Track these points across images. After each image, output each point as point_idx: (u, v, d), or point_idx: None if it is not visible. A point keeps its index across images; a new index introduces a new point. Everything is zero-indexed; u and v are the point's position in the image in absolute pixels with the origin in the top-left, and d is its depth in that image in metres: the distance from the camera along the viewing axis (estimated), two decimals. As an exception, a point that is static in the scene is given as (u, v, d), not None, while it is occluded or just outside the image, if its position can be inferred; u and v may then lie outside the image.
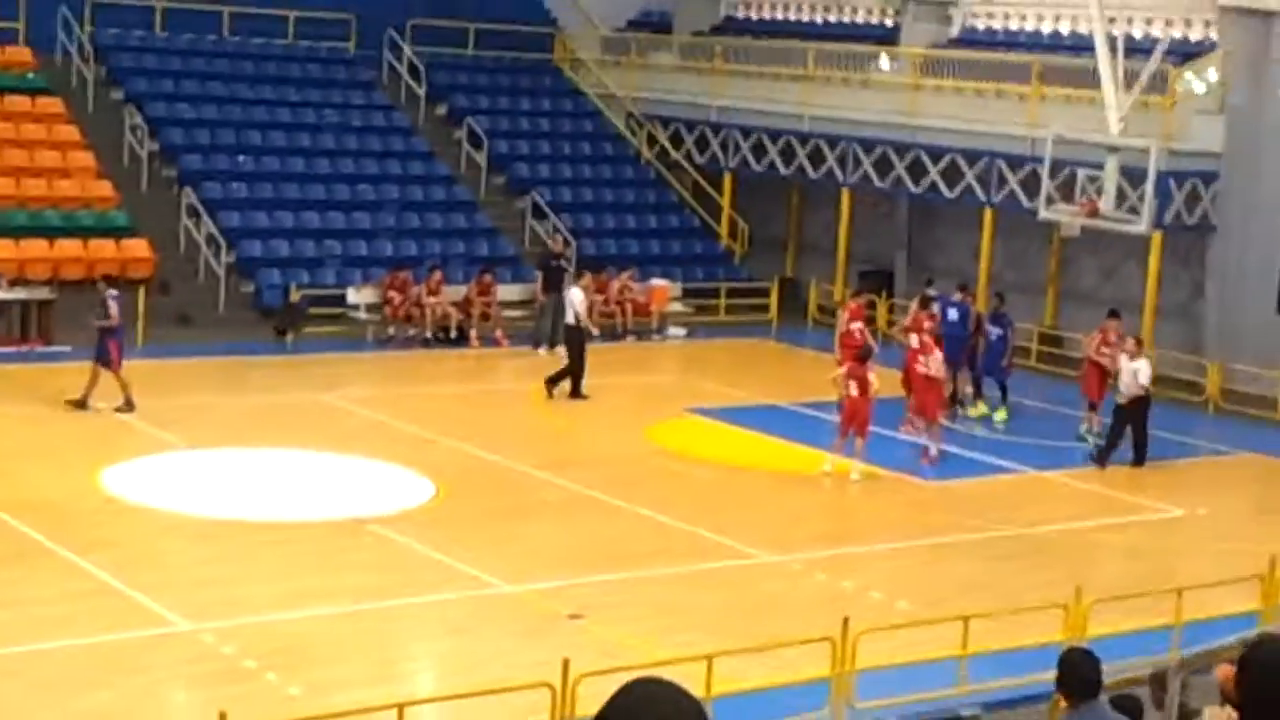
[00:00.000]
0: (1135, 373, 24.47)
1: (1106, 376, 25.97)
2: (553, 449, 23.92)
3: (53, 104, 33.79)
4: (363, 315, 31.54)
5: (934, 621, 16.15)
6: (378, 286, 31.73)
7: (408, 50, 38.57)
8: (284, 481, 21.58)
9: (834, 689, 14.48)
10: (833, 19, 40.53)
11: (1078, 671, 9.91)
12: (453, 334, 31.64)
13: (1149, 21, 33.23)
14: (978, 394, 27.95)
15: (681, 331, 34.16)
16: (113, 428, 23.44)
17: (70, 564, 17.56)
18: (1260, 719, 5.47)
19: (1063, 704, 10.11)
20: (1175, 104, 30.48)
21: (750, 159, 37.52)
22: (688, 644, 15.61)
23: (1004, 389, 27.66)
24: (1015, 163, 32.27)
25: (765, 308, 35.84)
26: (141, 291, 29.55)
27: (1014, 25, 36.97)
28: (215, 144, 34.64)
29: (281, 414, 25.17)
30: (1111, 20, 29.72)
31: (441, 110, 38.70)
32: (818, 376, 27.20)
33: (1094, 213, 29.06)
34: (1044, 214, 30.17)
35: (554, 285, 31.98)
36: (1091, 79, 30.05)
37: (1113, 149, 28.99)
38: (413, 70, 38.47)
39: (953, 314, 27.98)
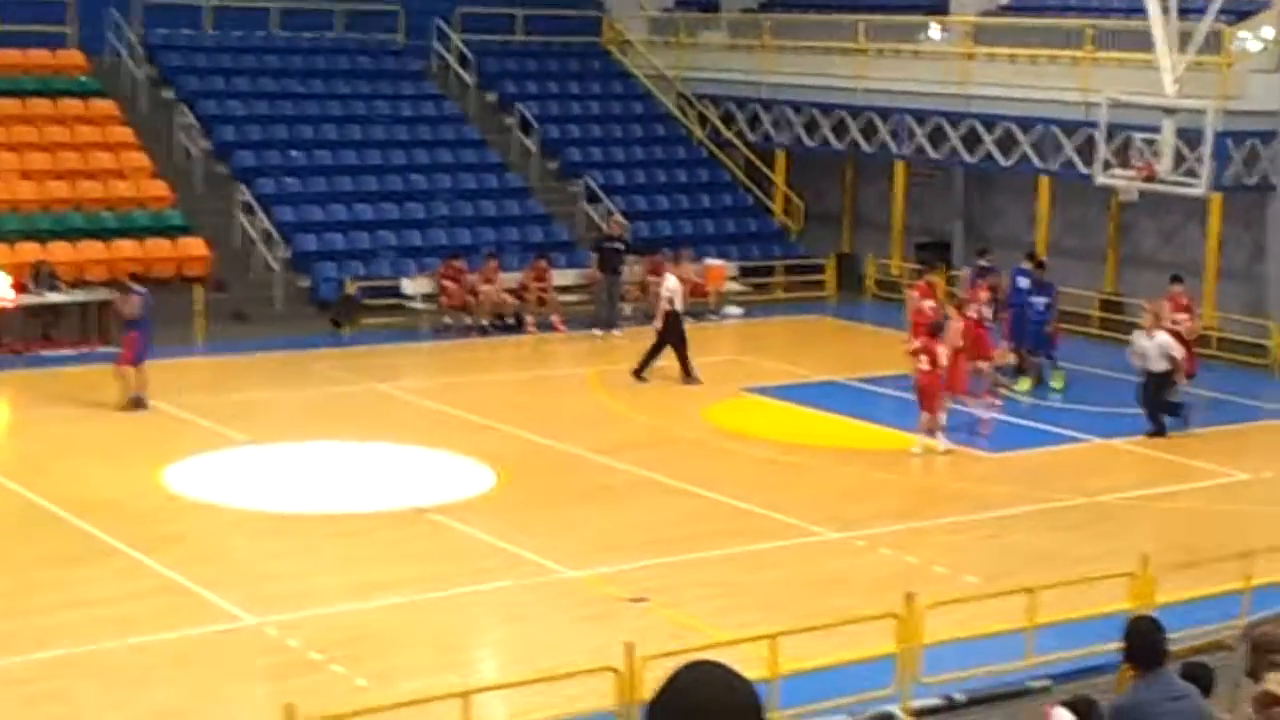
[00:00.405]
0: (1161, 348, 23.99)
1: (1182, 343, 25.59)
2: (611, 432, 23.89)
3: (105, 106, 33.99)
4: (418, 305, 31.59)
5: (1000, 594, 16.03)
6: (433, 276, 31.77)
7: (456, 39, 38.59)
8: (344, 473, 21.64)
9: (900, 665, 14.40)
10: (881, -9, 40.27)
11: (1144, 640, 9.82)
12: (509, 321, 31.65)
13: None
14: (1020, 369, 27.27)
15: (738, 310, 34.05)
16: (174, 425, 23.56)
17: (135, 562, 17.67)
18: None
19: (1130, 673, 10.03)
20: (1231, 63, 30.12)
21: (803, 135, 37.35)
22: (751, 624, 15.55)
23: (1050, 358, 27.24)
24: (1070, 129, 31.98)
25: (822, 284, 35.70)
26: (199, 289, 29.70)
27: (1064, -10, 36.69)
28: (267, 140, 34.76)
29: (340, 406, 25.24)
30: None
31: (492, 97, 38.71)
32: (876, 351, 27.13)
33: (1151, 176, 28.78)
34: (1101, 179, 29.89)
35: (611, 267, 31.97)
36: (1145, 41, 29.70)
37: (1168, 111, 28.68)
38: (461, 59, 38.49)
39: (1023, 282, 27.70)
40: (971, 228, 36.59)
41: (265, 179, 33.58)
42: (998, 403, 25.93)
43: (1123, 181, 29.39)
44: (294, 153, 34.62)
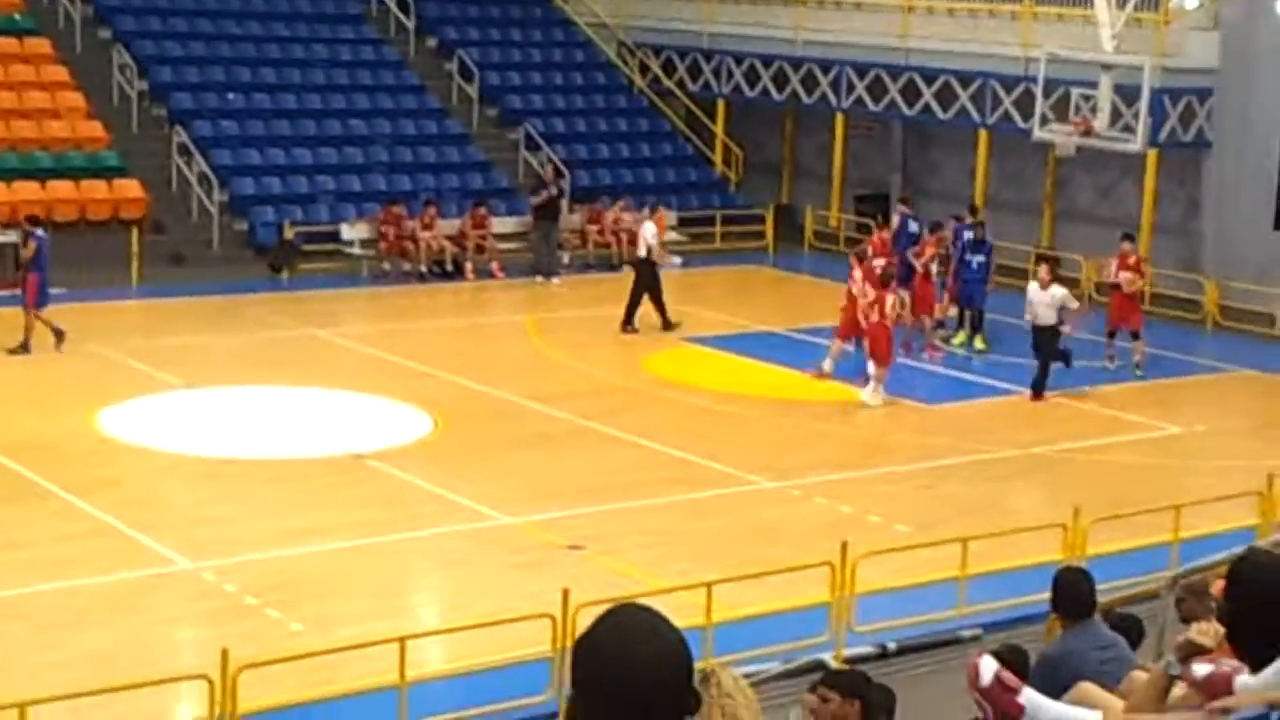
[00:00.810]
0: (1053, 300, 23.85)
1: (1127, 300, 25.83)
2: (549, 381, 23.92)
3: (40, 44, 33.58)
4: (357, 251, 31.48)
5: (932, 544, 16.22)
6: (372, 222, 31.66)
7: (396, -18, 38.33)
8: (282, 419, 21.61)
9: (834, 613, 14.55)
10: (823, -58, 40.23)
11: (1072, 590, 9.96)
12: (448, 268, 31.60)
13: (1142, -63, 32.97)
14: (960, 323, 27.39)
15: (677, 260, 34.06)
16: (109, 369, 23.43)
17: (68, 505, 17.61)
18: (1246, 631, 5.49)
19: (1058, 623, 10.18)
20: (1168, 21, 30.31)
21: (743, 85, 37.36)
22: (687, 572, 15.70)
23: (980, 315, 27.04)
24: (1009, 83, 32.14)
25: (761, 234, 35.78)
26: (135, 232, 29.50)
27: (1006, -56, 36.72)
28: (205, 82, 34.46)
29: (278, 351, 25.18)
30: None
31: (432, 43, 38.50)
32: (814, 302, 27.26)
33: (1088, 132, 28.97)
34: (1038, 134, 30.07)
35: (547, 214, 31.95)
36: (1084, -3, 29.90)
37: (1106, 67, 28.86)
38: (401, 3, 38.22)
39: (967, 236, 27.81)
40: (910, 180, 36.74)
41: (202, 121, 33.30)
42: (938, 355, 26.13)
43: (1060, 137, 29.57)
44: (231, 95, 34.35)
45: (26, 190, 30.17)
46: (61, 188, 30.49)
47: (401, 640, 12.86)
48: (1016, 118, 31.84)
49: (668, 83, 38.68)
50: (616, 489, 18.87)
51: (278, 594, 15.36)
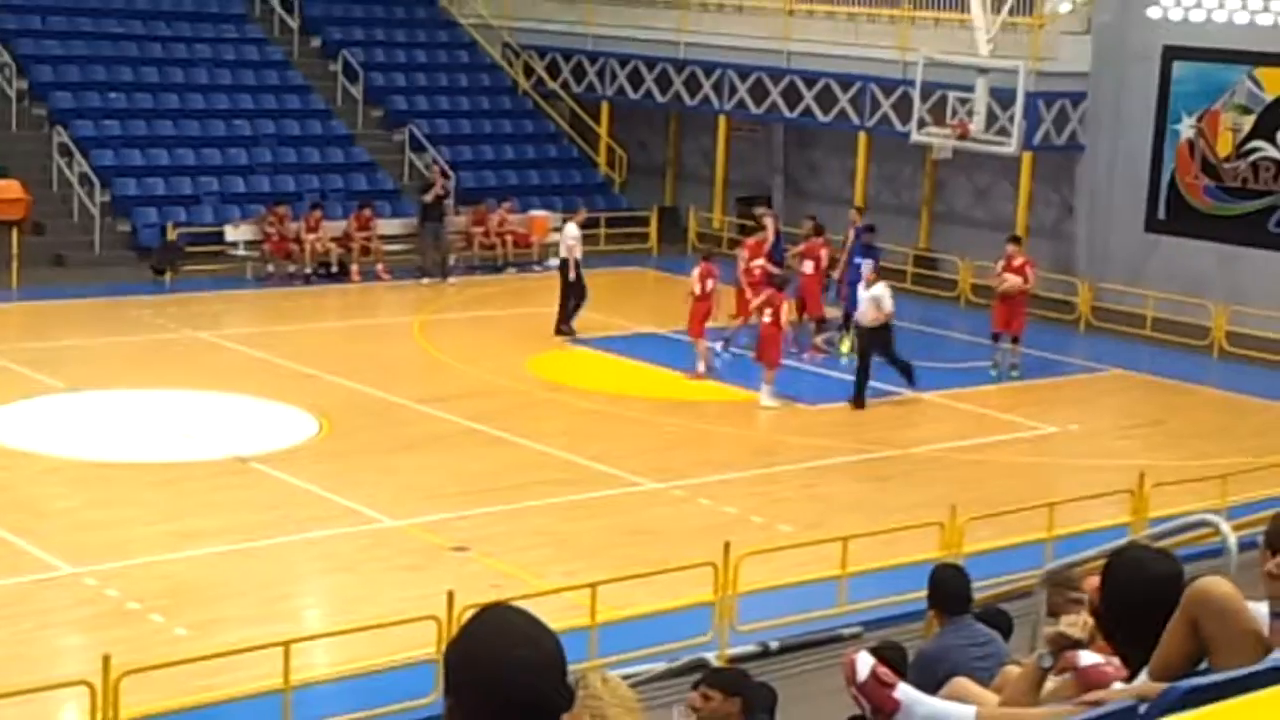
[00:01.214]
0: (876, 300, 23.61)
1: (1009, 302, 25.92)
2: (436, 382, 23.98)
3: (-84, 43, 33.14)
4: (241, 252, 31.31)
5: (814, 543, 16.48)
6: (256, 223, 31.50)
7: (279, -18, 38.14)
8: (165, 422, 21.47)
9: (717, 613, 14.76)
10: (706, -55, 40.50)
11: (948, 587, 10.19)
12: (333, 269, 31.52)
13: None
14: (845, 327, 27.05)
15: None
16: (-11, 372, 23.19)
17: (-51, 511, 17.43)
18: (1118, 624, 5.67)
19: (936, 620, 10.41)
20: (1042, 24, 30.86)
21: (627, 87, 37.56)
22: (572, 573, 15.84)
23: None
24: (887, 86, 32.55)
25: (645, 236, 35.97)
26: (15, 233, 29.17)
27: (885, -51, 37.15)
28: (86, 81, 34.12)
29: (161, 354, 25.01)
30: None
31: (316, 43, 38.35)
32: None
33: (965, 135, 29.44)
34: (916, 137, 30.52)
35: (432, 215, 31.96)
36: (960, 1, 30.36)
37: (982, 71, 29.35)
38: (285, 3, 38.04)
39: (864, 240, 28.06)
40: (791, 183, 37.11)
41: (84, 121, 32.98)
42: (818, 357, 26.40)
43: (937, 139, 30.03)
44: (113, 95, 34.04)
45: (-98, 191, 29.76)
46: (-62, 189, 30.10)
47: (286, 644, 12.90)
48: (895, 121, 32.27)
49: (552, 85, 38.79)
50: (502, 491, 18.97)
51: (161, 599, 15.33)
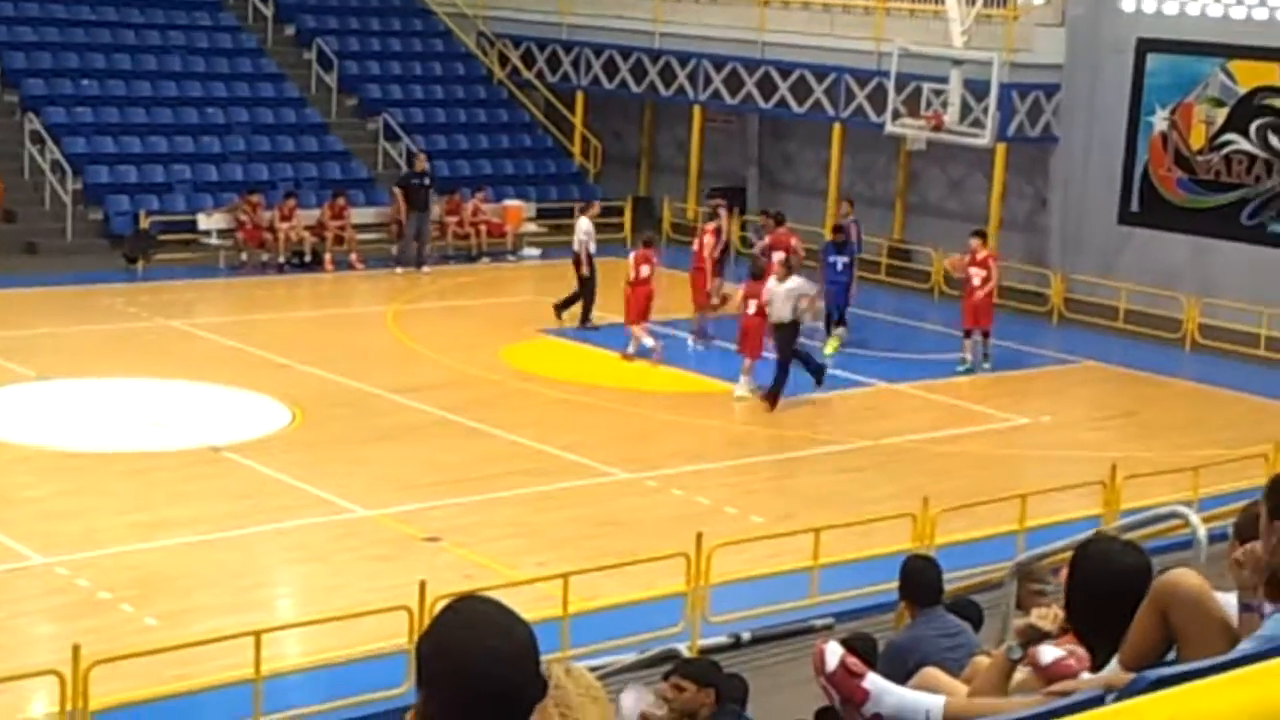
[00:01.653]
0: (789, 293, 22.98)
1: (972, 296, 25.84)
2: (409, 372, 23.94)
3: (-114, 29, 32.95)
4: (214, 241, 31.21)
5: (786, 534, 16.50)
6: (229, 212, 31.41)
7: (253, -30, 38.01)
8: (138, 411, 21.40)
9: (689, 604, 14.78)
10: (682, -65, 40.45)
11: (919, 579, 10.22)
12: (306, 258, 31.44)
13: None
14: (828, 330, 26.65)
15: (536, 252, 34.20)
16: (-41, 360, 23.10)
17: (-81, 500, 17.37)
18: (1086, 617, 5.68)
19: (907, 611, 10.44)
20: (1016, 16, 30.90)
21: (602, 77, 37.53)
22: (544, 563, 15.86)
23: (843, 318, 26.76)
24: (862, 78, 32.57)
25: (619, 226, 35.89)
26: (-15, 221, 29.09)
27: (861, -60, 37.13)
28: (58, 68, 33.96)
29: (134, 343, 24.93)
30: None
31: (290, 31, 38.22)
32: (670, 294, 27.42)
33: (939, 126, 29.48)
34: (890, 128, 30.54)
35: (419, 203, 31.90)
36: (936, -8, 30.40)
37: (956, 62, 29.39)
38: (259, -10, 37.91)
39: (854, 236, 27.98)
40: (765, 174, 37.13)
41: (56, 108, 32.82)
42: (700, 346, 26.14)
43: (911, 131, 30.07)
44: (85, 82, 33.90)
45: (-128, 178, 29.61)
46: (-91, 175, 29.95)
47: (257, 634, 12.87)
48: (870, 112, 32.29)
49: (527, 74, 38.74)
50: (474, 481, 18.96)
51: (131, 589, 15.29)
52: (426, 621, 12.97)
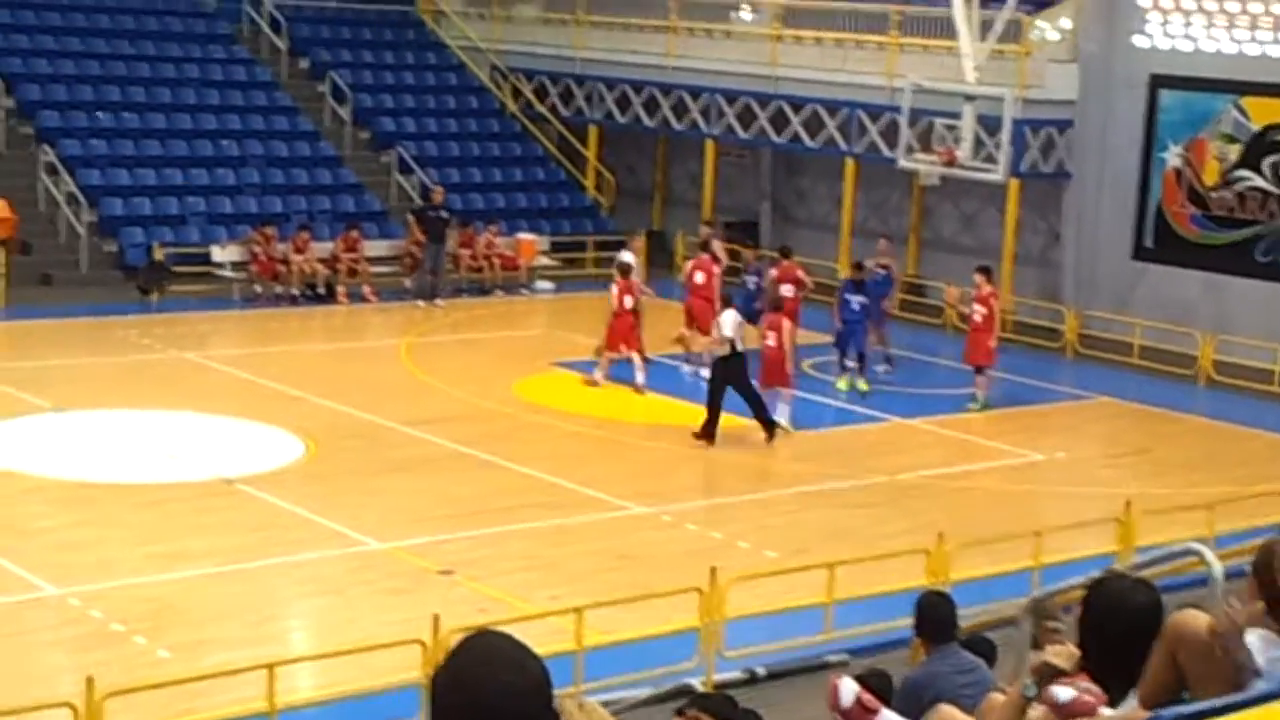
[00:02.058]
0: (734, 325, 22.73)
1: (978, 332, 25.76)
2: (423, 405, 23.94)
3: (-97, 61, 33.10)
4: (228, 273, 31.29)
5: (800, 569, 16.45)
6: (243, 244, 31.49)
7: (268, 3, 38.18)
8: (151, 442, 21.41)
9: (703, 638, 14.72)
10: (695, -30, 40.55)
11: (933, 614, 10.19)
12: (320, 291, 31.50)
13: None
14: (842, 367, 26.40)
15: (549, 285, 34.24)
16: (-26, 391, 23.14)
17: (-67, 530, 17.38)
18: (1100, 654, 5.67)
19: (922, 647, 10.41)
20: (1029, 52, 30.95)
21: (615, 111, 37.61)
22: (558, 597, 15.82)
23: (863, 358, 26.38)
24: (875, 113, 32.62)
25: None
26: (2, 252, 29.13)
27: (874, -24, 37.17)
28: (73, 100, 34.12)
29: (148, 374, 24.97)
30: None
31: (304, 64, 38.38)
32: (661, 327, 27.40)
33: (952, 161, 29.48)
34: (903, 163, 30.56)
35: (436, 236, 31.96)
36: (948, 28, 30.44)
37: (969, 98, 29.41)
38: (274, 24, 38.10)
39: (877, 274, 27.76)
40: (778, 208, 37.16)
41: (71, 140, 32.97)
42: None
43: (924, 166, 30.07)
44: (100, 114, 34.04)
45: (-112, 209, 29.69)
46: (-75, 207, 30.04)
47: (270, 666, 12.85)
48: (883, 147, 32.32)
49: (540, 108, 38.84)
50: (488, 514, 18.94)
51: (145, 620, 15.27)
52: (440, 655, 12.96)
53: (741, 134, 35.39)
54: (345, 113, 36.89)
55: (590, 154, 38.32)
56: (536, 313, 32.72)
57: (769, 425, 22.77)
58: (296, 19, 38.62)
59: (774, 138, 34.87)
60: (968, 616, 13.14)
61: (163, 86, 35.45)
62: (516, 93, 39.15)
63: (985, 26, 29.65)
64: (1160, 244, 30.86)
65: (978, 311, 25.62)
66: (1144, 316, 29.74)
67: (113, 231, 31.69)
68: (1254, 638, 5.49)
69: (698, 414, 23.56)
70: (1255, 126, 29.73)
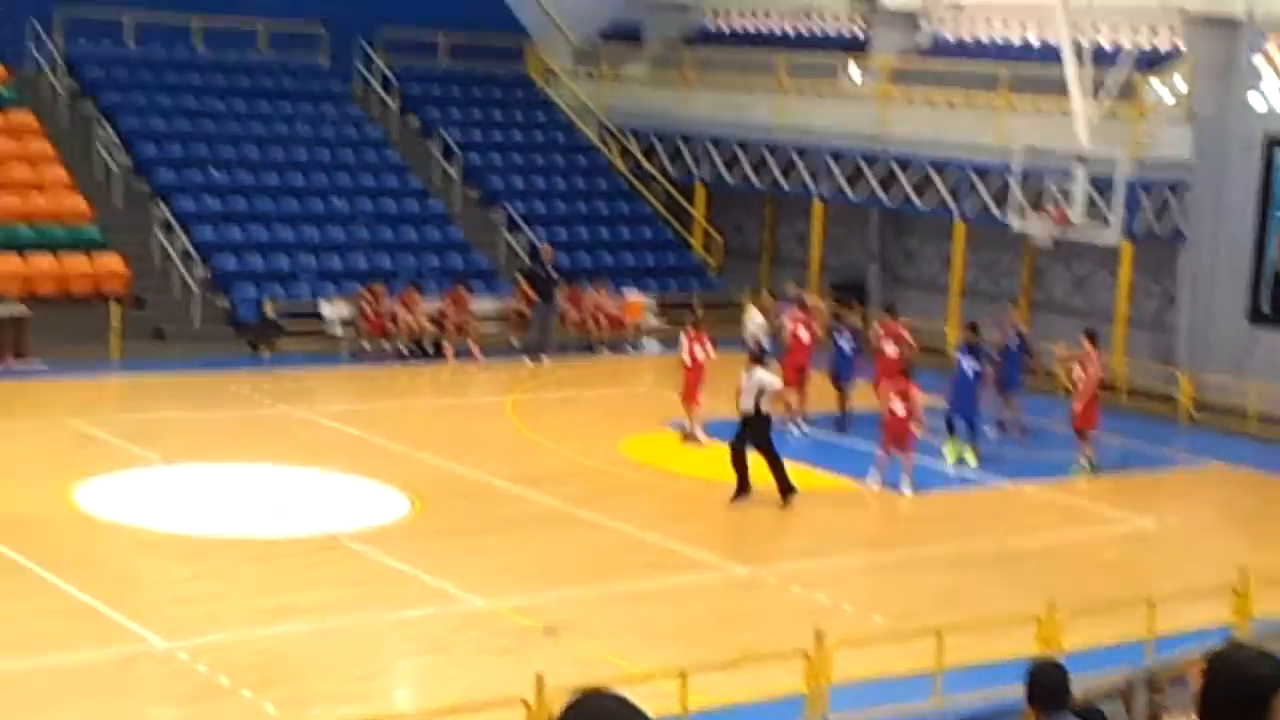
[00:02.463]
0: (751, 385, 22.37)
1: (1082, 396, 25.45)
2: (528, 463, 23.96)
3: (25, 118, 33.73)
4: (337, 330, 31.53)
5: (908, 634, 16.23)
6: (352, 300, 31.74)
7: (380, 62, 38.62)
8: (260, 497, 21.57)
9: (808, 703, 14.55)
10: (803, 30, 40.61)
11: (1045, 683, 9.98)
12: (427, 348, 31.67)
13: (1115, 30, 33.26)
14: (950, 430, 25.51)
15: (656, 344, 34.22)
16: (87, 444, 23.41)
17: (44, 581, 17.54)
18: (1219, 725, 5.52)
19: (1032, 716, 10.21)
20: (1143, 113, 30.65)
21: (723, 170, 37.64)
22: (663, 659, 15.68)
23: (973, 425, 25.64)
24: (985, 173, 32.40)
25: (739, 320, 35.86)
26: (116, 306, 29.54)
27: (982, 35, 37.00)
28: (188, 158, 34.63)
29: (257, 429, 25.17)
30: (1078, 29, 29.88)
31: (414, 123, 38.74)
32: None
33: (1064, 223, 29.21)
34: (1015, 225, 30.31)
35: (545, 294, 32.09)
36: (1060, 88, 30.21)
37: (1081, 159, 29.16)
38: (385, 82, 38.51)
39: (1011, 341, 27.45)
40: (887, 269, 36.97)
41: (185, 197, 33.44)
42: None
43: (1037, 228, 29.80)
44: (215, 171, 34.51)
45: (7, 263, 30.22)
46: (43, 261, 30.54)
47: (376, 724, 12.83)
48: (993, 208, 32.08)
49: (648, 166, 38.94)
50: (593, 573, 18.88)
51: (252, 674, 15.31)
52: (543, 714, 12.89)
53: (850, 194, 35.26)
54: (454, 171, 37.17)
55: (698, 213, 38.35)
56: (643, 371, 32.71)
57: (787, 490, 22.30)
58: (408, 78, 39.00)
59: (883, 198, 34.72)
60: (1079, 686, 12.89)
61: (276, 144, 35.90)
62: (624, 152, 39.29)
63: (1097, 87, 29.40)
64: (1277, 308, 30.36)
65: (1079, 376, 25.36)
66: (1261, 381, 29.25)
67: (225, 287, 32.06)
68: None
69: (806, 475, 23.41)
70: (1373, 189, 29.24)
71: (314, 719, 13.83)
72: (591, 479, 23.31)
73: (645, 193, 38.85)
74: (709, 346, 26.12)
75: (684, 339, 26.45)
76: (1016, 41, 36.19)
